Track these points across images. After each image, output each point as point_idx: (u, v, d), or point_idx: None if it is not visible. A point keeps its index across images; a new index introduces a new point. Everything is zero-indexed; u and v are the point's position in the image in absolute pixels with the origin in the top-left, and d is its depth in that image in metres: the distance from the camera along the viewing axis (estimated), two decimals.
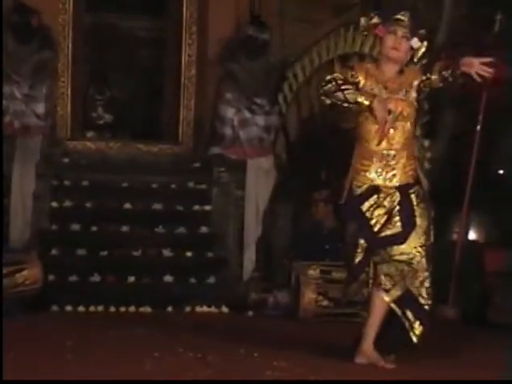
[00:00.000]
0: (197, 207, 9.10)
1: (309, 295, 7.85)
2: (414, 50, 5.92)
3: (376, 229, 5.77)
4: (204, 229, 8.98)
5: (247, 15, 9.62)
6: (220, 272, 8.73)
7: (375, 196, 5.79)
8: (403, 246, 5.74)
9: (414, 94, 5.87)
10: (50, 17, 9.25)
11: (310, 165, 9.19)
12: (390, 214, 5.78)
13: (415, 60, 5.96)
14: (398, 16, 5.86)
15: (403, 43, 5.84)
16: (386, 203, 5.79)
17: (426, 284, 5.82)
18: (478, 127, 8.36)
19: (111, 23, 11.21)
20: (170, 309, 8.21)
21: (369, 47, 9.12)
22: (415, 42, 5.88)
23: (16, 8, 9.03)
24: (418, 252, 5.78)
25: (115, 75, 11.18)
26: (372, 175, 5.82)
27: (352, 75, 5.84)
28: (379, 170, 5.82)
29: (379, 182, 5.81)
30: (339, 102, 5.74)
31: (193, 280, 8.56)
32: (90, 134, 10.24)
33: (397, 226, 5.75)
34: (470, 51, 8.49)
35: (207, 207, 9.14)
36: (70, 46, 9.65)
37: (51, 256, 8.45)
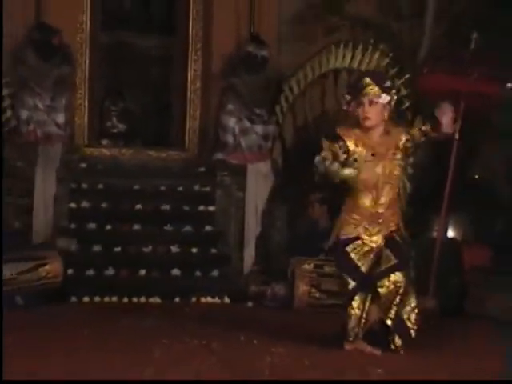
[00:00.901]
0: (202, 208, 9.10)
1: (303, 287, 7.85)
2: (388, 104, 5.80)
3: (364, 269, 5.77)
4: (208, 227, 8.98)
5: (247, 34, 9.63)
6: (223, 266, 8.75)
7: (359, 241, 5.80)
8: (398, 275, 5.72)
9: (399, 155, 5.80)
10: (69, 35, 9.26)
11: (304, 169, 9.18)
12: (378, 253, 5.78)
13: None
14: (363, 83, 5.77)
15: (371, 110, 5.75)
16: (370, 245, 5.79)
17: (416, 310, 5.85)
18: (457, 135, 8.35)
19: (124, 41, 11.20)
20: (177, 300, 8.22)
21: (357, 62, 9.07)
22: (383, 98, 5.76)
23: (38, 27, 9.05)
24: (409, 280, 5.82)
25: (128, 88, 11.17)
26: (359, 229, 5.81)
27: (341, 146, 5.75)
28: (366, 225, 5.80)
29: (364, 236, 5.81)
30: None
31: (198, 274, 8.56)
32: (105, 142, 10.24)
33: (391, 260, 5.75)
34: (448, 65, 8.65)
35: (211, 208, 9.13)
36: (87, 62, 9.68)
37: (70, 252, 8.44)
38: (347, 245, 5.78)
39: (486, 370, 5.46)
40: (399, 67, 8.96)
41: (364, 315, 5.74)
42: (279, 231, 9.24)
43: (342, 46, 9.16)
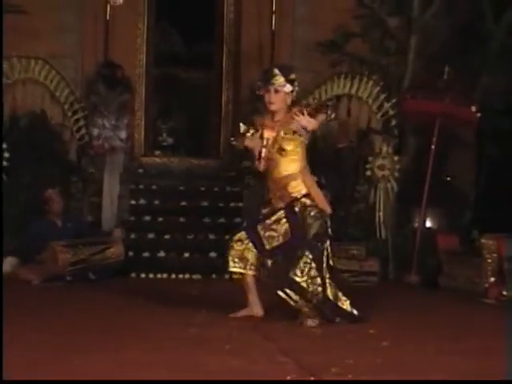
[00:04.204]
0: (232, 204, 9.11)
1: None
2: (290, 93, 5.45)
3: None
4: (237, 219, 8.91)
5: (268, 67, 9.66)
6: None
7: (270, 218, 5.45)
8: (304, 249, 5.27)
9: (290, 135, 5.39)
10: (129, 70, 9.34)
11: (313, 173, 9.22)
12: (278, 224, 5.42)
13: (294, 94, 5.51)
14: (271, 74, 5.41)
15: (276, 96, 5.38)
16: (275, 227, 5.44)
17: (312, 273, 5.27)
18: (433, 147, 8.40)
19: (172, 74, 11.29)
20: (213, 276, 8.17)
21: (355, 90, 9.09)
22: (287, 88, 5.40)
23: (106, 64, 9.15)
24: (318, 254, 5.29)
25: (175, 111, 11.26)
26: (270, 195, 5.51)
27: (253, 127, 5.51)
28: (274, 191, 5.48)
29: (274, 201, 5.47)
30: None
31: None
32: (157, 152, 10.32)
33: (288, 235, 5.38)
34: (426, 92, 8.69)
35: (240, 204, 9.14)
36: (144, 90, 9.77)
37: (130, 238, 8.50)
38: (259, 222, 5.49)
39: (454, 322, 5.59)
40: (388, 93, 9.00)
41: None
42: None
43: (342, 76, 9.18)
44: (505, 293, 6.87)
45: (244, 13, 9.83)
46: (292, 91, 5.47)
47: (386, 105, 8.92)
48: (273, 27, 9.73)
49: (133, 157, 9.54)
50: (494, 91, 9.33)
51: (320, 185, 8.65)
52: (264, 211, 5.55)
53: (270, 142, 5.42)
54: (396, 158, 8.86)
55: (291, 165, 5.45)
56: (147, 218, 8.80)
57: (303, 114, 5.27)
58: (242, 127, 5.63)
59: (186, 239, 8.64)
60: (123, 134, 9.09)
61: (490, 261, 7.10)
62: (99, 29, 9.34)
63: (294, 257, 5.26)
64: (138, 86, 9.64)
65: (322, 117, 5.34)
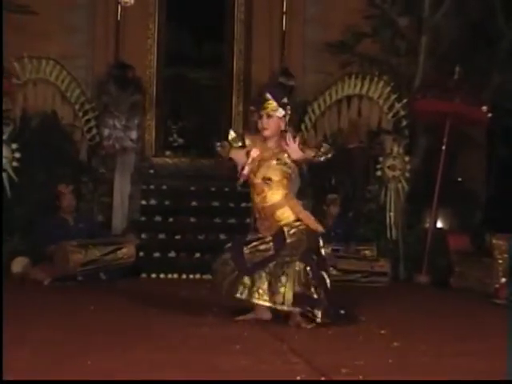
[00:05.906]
0: (244, 204, 9.04)
1: None
2: (283, 117, 5.34)
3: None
4: (248, 220, 8.87)
5: (279, 68, 9.68)
6: None
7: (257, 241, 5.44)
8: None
9: (280, 165, 5.32)
10: (140, 70, 9.40)
11: (323, 174, 9.23)
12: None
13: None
14: (264, 99, 5.33)
15: (270, 122, 5.29)
16: (261, 248, 5.40)
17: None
18: (443, 147, 8.39)
19: (183, 74, 11.26)
20: None
21: (365, 90, 9.09)
22: (280, 112, 5.30)
23: (117, 64, 9.22)
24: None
25: (186, 111, 11.25)
26: (258, 225, 5.49)
27: (242, 141, 5.39)
28: (261, 221, 5.46)
29: (262, 231, 5.44)
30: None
31: None
32: (168, 153, 10.29)
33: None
34: (437, 92, 8.68)
35: (251, 204, 9.12)
36: (154, 91, 9.82)
37: (141, 239, 8.49)
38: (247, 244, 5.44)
39: (465, 323, 5.58)
40: (398, 94, 8.98)
41: None
42: None
43: (353, 77, 9.17)
44: None
45: (255, 13, 9.86)
46: (284, 115, 5.36)
47: (397, 105, 8.91)
48: (283, 28, 9.76)
49: (143, 157, 9.57)
50: (504, 91, 9.32)
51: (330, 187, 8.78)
52: (250, 237, 5.49)
53: (255, 162, 5.29)
54: (407, 159, 8.86)
55: (276, 194, 5.38)
56: (158, 218, 8.82)
57: (295, 140, 5.20)
58: (232, 135, 5.50)
59: (196, 239, 8.66)
60: (134, 135, 9.13)
61: (500, 261, 7.10)
62: (110, 29, 9.40)
63: (283, 267, 5.22)
64: (148, 87, 9.69)
65: (309, 153, 5.27)
